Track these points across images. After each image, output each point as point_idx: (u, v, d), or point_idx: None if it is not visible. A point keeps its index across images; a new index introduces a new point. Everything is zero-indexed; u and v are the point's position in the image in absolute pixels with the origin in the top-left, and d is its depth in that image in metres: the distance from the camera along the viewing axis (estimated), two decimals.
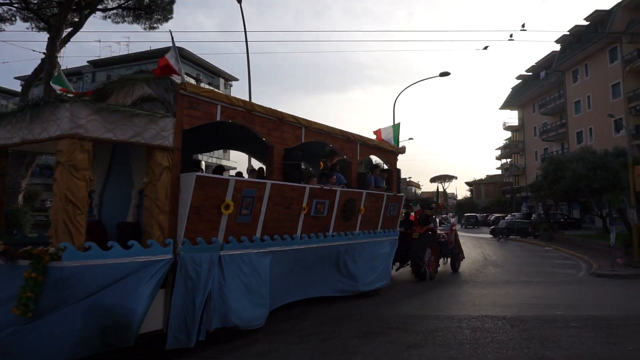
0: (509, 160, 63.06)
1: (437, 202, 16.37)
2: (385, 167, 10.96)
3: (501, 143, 69.63)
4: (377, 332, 7.00)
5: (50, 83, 7.85)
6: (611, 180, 22.85)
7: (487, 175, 73.16)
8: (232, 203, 6.43)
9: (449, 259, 14.22)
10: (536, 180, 30.56)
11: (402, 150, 11.13)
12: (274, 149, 7.49)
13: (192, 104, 6.29)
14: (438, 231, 13.14)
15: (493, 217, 41.72)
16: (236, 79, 59.87)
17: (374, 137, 10.52)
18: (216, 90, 6.48)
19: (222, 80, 59.39)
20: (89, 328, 4.95)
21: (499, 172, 69.73)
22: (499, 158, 68.92)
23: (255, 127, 7.15)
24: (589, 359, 5.88)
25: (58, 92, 7.28)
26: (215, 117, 6.53)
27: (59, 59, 15.10)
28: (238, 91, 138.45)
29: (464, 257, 14.97)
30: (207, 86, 57.31)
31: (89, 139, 5.24)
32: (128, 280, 5.23)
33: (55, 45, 14.89)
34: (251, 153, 10.73)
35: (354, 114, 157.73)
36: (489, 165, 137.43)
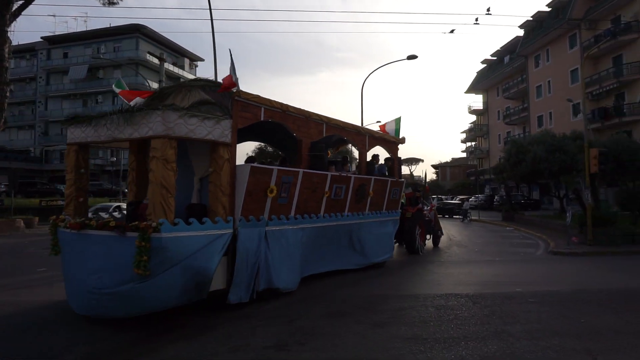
0: (473, 143, 62.88)
1: (425, 186, 17.55)
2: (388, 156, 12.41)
3: (466, 126, 70.24)
4: (344, 312, 7.12)
5: (113, 87, 9.28)
6: (568, 163, 23.15)
7: (452, 159, 73.90)
8: (275, 188, 8.01)
9: (431, 236, 15.63)
10: (499, 162, 31.10)
11: (402, 140, 12.60)
12: (302, 142, 9.06)
13: (244, 108, 7.70)
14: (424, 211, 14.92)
15: (457, 199, 41.36)
16: (202, 59, 57.36)
17: (375, 128, 12.18)
18: (260, 95, 8.06)
19: (187, 61, 56.65)
20: (187, 283, 6.63)
21: (464, 155, 69.56)
22: (464, 141, 68.33)
23: (288, 124, 8.74)
24: (544, 332, 6.15)
25: (118, 93, 8.85)
26: (260, 117, 8.00)
27: (9, 34, 14.24)
28: (204, 71, 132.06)
29: (442, 234, 16.35)
30: (171, 66, 54.35)
31: (176, 138, 6.66)
32: (206, 248, 6.79)
33: (4, 18, 14.13)
34: (269, 143, 12.27)
35: (321, 95, 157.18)
36: (454, 149, 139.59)
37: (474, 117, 61.61)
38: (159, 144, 6.65)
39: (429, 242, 16.00)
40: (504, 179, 28.67)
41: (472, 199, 42.99)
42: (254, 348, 5.52)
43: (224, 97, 7.71)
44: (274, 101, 8.37)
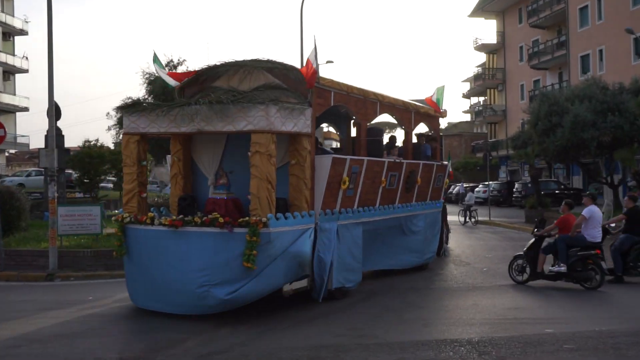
0: (482, 99, 57.62)
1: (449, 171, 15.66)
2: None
3: (471, 72, 64.82)
4: None
5: (153, 63, 10.76)
6: (627, 130, 21.92)
7: (449, 123, 64.68)
8: (347, 179, 9.82)
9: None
10: (521, 130, 29.73)
11: (444, 114, 14.20)
12: (361, 125, 10.96)
13: (320, 94, 9.54)
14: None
15: (457, 187, 36.67)
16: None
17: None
18: (333, 78, 9.88)
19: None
20: (290, 267, 8.89)
21: (467, 117, 63.49)
22: (467, 95, 61.40)
23: (350, 107, 10.60)
24: None
25: (159, 73, 10.79)
26: (330, 103, 9.87)
27: None
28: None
29: (449, 231, 17.08)
30: None
31: (276, 132, 8.44)
32: (300, 240, 8.85)
33: None
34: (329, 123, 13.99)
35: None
36: (453, 107, 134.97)
37: (482, 57, 56.35)
38: (263, 138, 8.34)
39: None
40: (528, 157, 26.23)
41: (480, 188, 37.52)
42: None
43: (297, 82, 9.30)
44: (341, 83, 10.08)
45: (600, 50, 37.90)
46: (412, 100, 13.37)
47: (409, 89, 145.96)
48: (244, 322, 8.55)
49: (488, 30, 55.33)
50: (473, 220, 26.13)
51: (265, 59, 9.66)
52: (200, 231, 8.44)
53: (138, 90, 54.55)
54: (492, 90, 55.13)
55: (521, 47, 48.39)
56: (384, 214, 11.38)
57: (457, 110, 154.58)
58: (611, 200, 22.94)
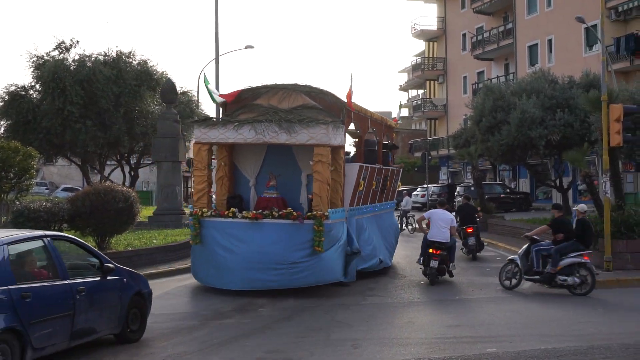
0: (421, 92, 61.67)
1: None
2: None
3: (408, 61, 64.79)
4: None
5: (205, 84, 15.87)
6: (578, 129, 23.57)
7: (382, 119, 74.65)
8: (362, 182, 15.02)
9: None
10: (463, 127, 31.64)
11: (398, 125, 21.17)
12: (362, 139, 16.37)
13: (348, 114, 14.86)
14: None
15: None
16: None
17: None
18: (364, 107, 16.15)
19: None
20: (341, 251, 14.03)
21: (405, 112, 66.39)
22: (404, 88, 65.86)
23: (358, 122, 16.06)
24: None
25: (215, 94, 15.89)
26: (351, 120, 15.49)
27: None
28: None
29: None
30: None
31: (331, 146, 13.37)
32: (343, 231, 14.23)
33: None
34: None
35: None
36: (387, 101, 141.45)
37: (421, 45, 60.21)
38: (325, 151, 13.14)
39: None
40: (471, 157, 28.02)
41: (418, 191, 40.95)
42: None
43: (332, 104, 14.55)
44: (358, 105, 15.70)
45: (550, 40, 40.49)
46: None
47: (329, 77, 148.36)
48: (149, 347, 9.07)
49: (428, 15, 58.19)
50: (410, 227, 27.79)
51: (304, 84, 14.70)
52: (275, 222, 13.20)
53: (23, 76, 53.25)
54: (432, 82, 57.76)
55: (464, 35, 51.01)
56: (376, 209, 16.94)
57: (392, 103, 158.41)
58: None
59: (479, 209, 22.96)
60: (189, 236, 14.98)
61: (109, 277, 9.06)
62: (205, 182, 14.06)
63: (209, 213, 13.69)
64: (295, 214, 13.12)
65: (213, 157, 15.01)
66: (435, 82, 56.13)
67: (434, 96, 56.48)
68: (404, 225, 27.67)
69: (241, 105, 14.72)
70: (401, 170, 20.14)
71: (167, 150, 24.72)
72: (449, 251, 15.09)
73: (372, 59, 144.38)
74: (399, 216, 28.09)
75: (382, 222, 17.59)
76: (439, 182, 50.22)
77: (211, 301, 12.74)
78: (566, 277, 13.54)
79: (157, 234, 20.16)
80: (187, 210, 27.10)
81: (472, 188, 33.57)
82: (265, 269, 12.95)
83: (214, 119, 14.65)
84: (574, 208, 15.32)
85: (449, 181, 48.75)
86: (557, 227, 14.14)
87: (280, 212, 13.22)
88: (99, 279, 8.91)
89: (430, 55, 56.28)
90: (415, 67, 57.94)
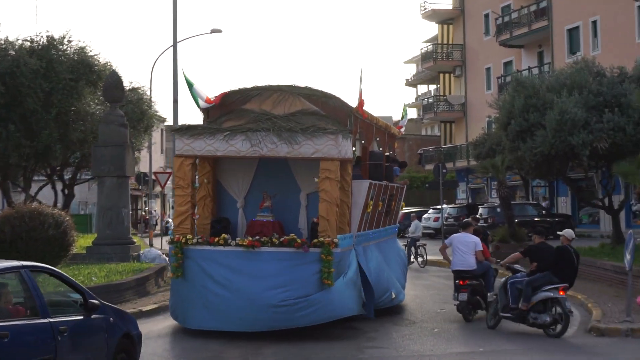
0: (433, 87, 63.63)
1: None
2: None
3: (417, 49, 68.16)
4: None
5: (188, 85, 15.94)
6: (631, 133, 23.81)
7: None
8: (371, 203, 15.86)
9: None
10: (487, 132, 31.45)
11: (401, 133, 22.41)
12: (367, 150, 16.90)
13: (355, 121, 15.44)
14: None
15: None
16: None
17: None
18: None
19: None
20: (353, 283, 15.07)
21: (414, 113, 68.90)
22: (412, 83, 68.16)
23: (364, 132, 16.68)
24: None
25: (201, 98, 15.99)
26: (358, 129, 16.04)
27: None
28: None
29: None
30: None
31: (341, 160, 14.28)
32: (352, 260, 15.16)
33: None
34: None
35: None
36: (392, 99, 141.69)
37: (433, 29, 62.08)
38: (333, 166, 13.78)
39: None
40: (497, 170, 28.57)
41: (430, 214, 41.99)
42: None
43: (337, 109, 15.15)
44: (367, 112, 16.42)
45: (594, 22, 41.39)
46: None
47: (332, 74, 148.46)
48: None
49: None
50: (420, 259, 28.25)
51: (303, 86, 15.40)
52: (276, 251, 13.75)
53: None
54: (446, 75, 59.02)
55: (486, 16, 52.22)
56: (381, 235, 17.81)
57: (397, 101, 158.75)
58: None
59: (489, 234, 23.17)
60: (170, 268, 15.65)
61: (93, 316, 9.29)
62: (189, 203, 14.59)
63: (194, 240, 14.17)
64: (299, 240, 13.81)
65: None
66: (451, 75, 56.74)
67: (450, 93, 56.94)
68: (412, 257, 27.92)
69: (227, 110, 15.30)
70: (405, 187, 21.17)
71: (111, 163, 24.38)
72: (484, 279, 15.91)
73: (371, 44, 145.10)
74: (405, 245, 28.18)
75: (388, 250, 18.63)
76: (457, 202, 51.27)
77: (192, 344, 13.61)
78: (538, 315, 14.24)
79: (98, 269, 19.96)
80: (136, 239, 27.18)
81: (498, 209, 34.55)
82: (264, 307, 13.50)
83: (200, 127, 14.99)
84: (560, 233, 15.69)
85: (469, 201, 49.35)
86: (531, 255, 14.96)
87: (282, 239, 13.84)
88: (82, 317, 9.13)
89: (445, 42, 56.89)
90: (425, 57, 58.51)
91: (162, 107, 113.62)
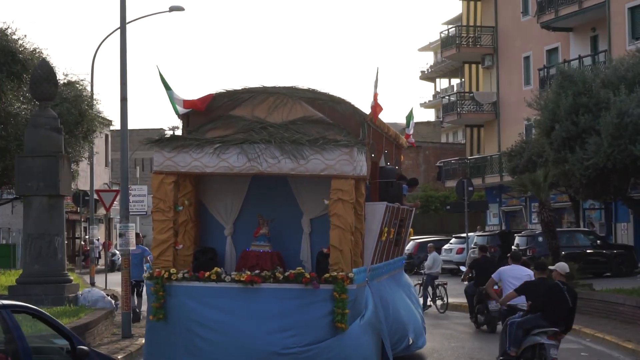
0: (455, 82, 65.15)
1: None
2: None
3: (436, 33, 69.00)
4: None
5: (166, 90, 16.19)
6: None
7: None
8: (385, 230, 16.64)
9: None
10: (524, 140, 31.43)
11: (407, 143, 22.17)
12: (377, 165, 16.98)
13: (368, 131, 15.86)
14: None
15: (409, 244, 38.51)
16: None
17: None
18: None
19: None
20: (371, 325, 15.58)
21: (431, 115, 71.11)
22: (428, 76, 69.71)
23: (375, 144, 16.71)
24: None
25: (179, 103, 16.25)
26: (370, 139, 16.21)
27: None
28: None
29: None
30: None
31: (356, 178, 14.58)
32: (368, 297, 15.81)
33: None
34: None
35: None
36: (392, 100, 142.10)
37: (457, 7, 63.28)
38: (347, 185, 14.06)
39: None
40: (538, 188, 28.96)
41: (453, 244, 42.86)
42: None
43: (346, 116, 15.51)
44: (380, 120, 16.88)
45: None
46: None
47: (329, 61, 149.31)
48: None
49: None
50: (440, 302, 28.80)
51: (306, 88, 15.49)
52: (279, 288, 13.98)
53: None
54: (473, 66, 59.97)
55: None
56: (390, 268, 18.40)
57: (410, 101, 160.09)
58: None
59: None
60: (148, 308, 15.39)
61: None
62: (171, 229, 14.70)
63: (180, 275, 14.29)
64: (307, 275, 13.99)
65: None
66: (479, 65, 56.62)
67: (477, 89, 56.83)
68: (429, 299, 28.23)
69: (212, 117, 15.52)
70: (414, 210, 21.69)
71: (41, 177, 23.95)
72: None
73: (375, 25, 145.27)
74: (419, 284, 28.01)
75: (401, 285, 19.60)
76: (487, 228, 50.02)
77: None
78: None
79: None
80: (73, 276, 26.73)
81: (540, 239, 34.74)
82: (264, 355, 13.78)
83: (185, 138, 15.13)
84: (552, 267, 16.44)
85: (503, 227, 48.75)
86: (526, 293, 15.55)
87: (287, 273, 14.14)
88: None
89: (471, 23, 56.64)
90: (446, 42, 58.77)
91: (107, 106, 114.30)
